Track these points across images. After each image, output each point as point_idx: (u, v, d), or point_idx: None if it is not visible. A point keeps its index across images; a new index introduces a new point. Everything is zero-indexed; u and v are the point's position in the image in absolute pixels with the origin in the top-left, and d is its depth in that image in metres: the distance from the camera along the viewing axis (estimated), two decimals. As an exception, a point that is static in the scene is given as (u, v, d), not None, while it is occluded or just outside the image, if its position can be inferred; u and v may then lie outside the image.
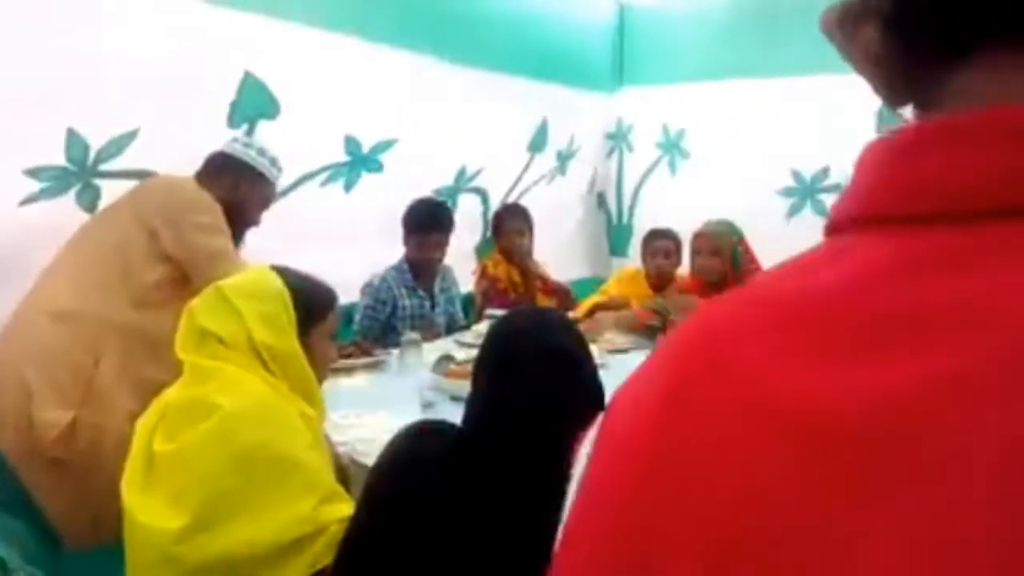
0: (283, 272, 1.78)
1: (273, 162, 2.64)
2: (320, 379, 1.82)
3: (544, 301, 3.94)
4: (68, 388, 2.14)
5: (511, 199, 4.46)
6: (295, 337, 1.73)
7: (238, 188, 2.54)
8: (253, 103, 2.99)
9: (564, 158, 4.81)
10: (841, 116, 4.25)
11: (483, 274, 4.04)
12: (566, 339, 1.43)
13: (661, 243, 3.92)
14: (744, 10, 4.69)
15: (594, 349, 1.85)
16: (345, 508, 1.57)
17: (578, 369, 1.39)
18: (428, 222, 3.40)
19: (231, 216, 2.47)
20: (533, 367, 1.36)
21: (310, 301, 1.78)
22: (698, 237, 3.67)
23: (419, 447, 1.43)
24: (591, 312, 3.82)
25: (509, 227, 3.96)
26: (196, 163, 2.73)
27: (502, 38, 4.05)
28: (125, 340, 2.26)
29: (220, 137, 2.86)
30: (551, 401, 1.32)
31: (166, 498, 1.55)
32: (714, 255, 3.62)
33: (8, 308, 2.31)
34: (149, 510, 1.55)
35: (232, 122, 2.95)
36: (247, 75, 2.95)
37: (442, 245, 3.45)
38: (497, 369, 1.41)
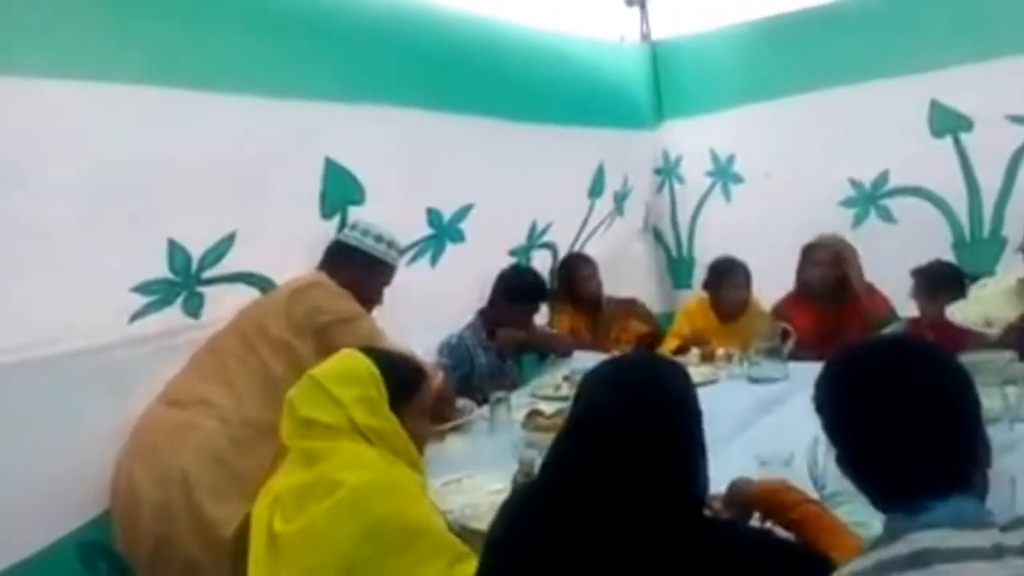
0: (369, 352, 1.87)
1: (391, 245, 2.81)
2: (420, 452, 1.89)
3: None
4: (245, 487, 2.27)
5: (576, 247, 4.46)
6: (392, 413, 1.80)
7: (360, 275, 2.72)
8: (339, 191, 3.01)
9: (620, 199, 4.80)
10: (891, 119, 4.24)
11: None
12: (665, 386, 1.41)
13: (736, 277, 3.92)
14: (769, 29, 4.70)
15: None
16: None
17: (675, 418, 1.37)
18: (540, 292, 3.59)
19: (357, 299, 2.65)
20: (623, 417, 1.34)
21: (399, 378, 1.85)
22: (816, 249, 3.80)
23: (526, 511, 1.45)
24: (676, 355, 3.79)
25: (584, 273, 4.05)
26: (293, 257, 2.79)
27: (550, 91, 4.06)
28: None
29: (314, 228, 2.91)
30: (637, 452, 1.30)
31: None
32: (832, 266, 3.75)
33: (125, 419, 2.41)
34: None
35: (324, 212, 2.98)
36: (328, 162, 2.97)
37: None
38: (581, 417, 1.42)
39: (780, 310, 3.88)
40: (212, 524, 2.29)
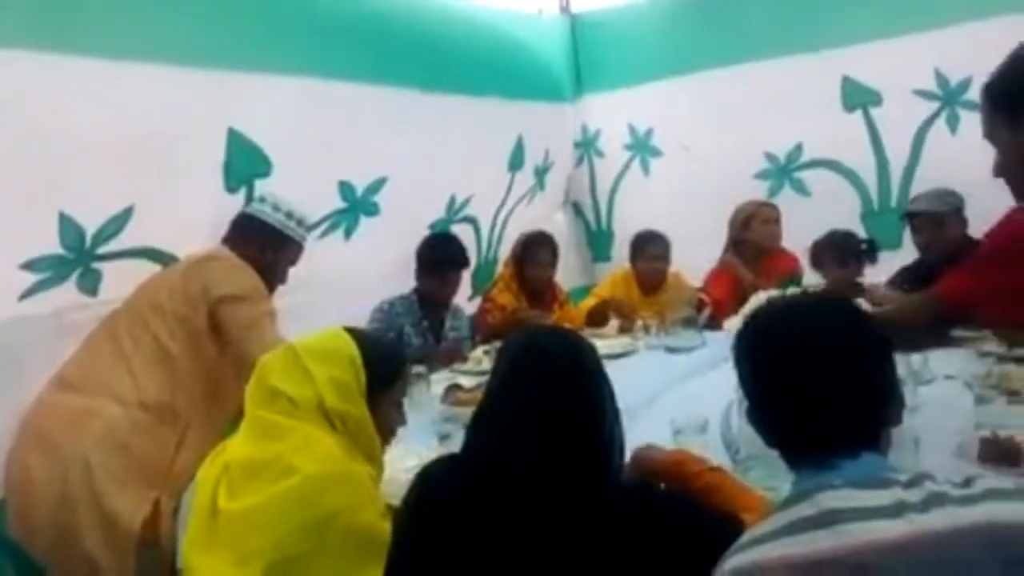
0: (356, 335, 1.77)
1: (300, 223, 2.73)
2: (385, 442, 1.79)
3: None
4: (147, 474, 2.28)
5: (499, 221, 4.42)
6: (365, 402, 1.70)
7: (266, 250, 2.63)
8: (244, 163, 2.90)
9: (541, 173, 4.78)
10: (805, 93, 4.30)
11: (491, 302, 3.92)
12: (570, 351, 1.44)
13: (654, 248, 3.93)
14: (686, 4, 4.73)
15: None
16: None
17: (581, 383, 1.39)
18: (449, 259, 3.41)
19: (260, 276, 2.55)
20: (537, 380, 1.38)
21: (380, 368, 1.74)
22: (765, 207, 3.89)
23: (440, 481, 1.46)
24: (592, 316, 3.80)
25: (541, 258, 3.82)
26: (197, 233, 2.69)
27: (466, 62, 4.00)
28: (204, 423, 2.42)
29: (219, 202, 2.81)
30: (551, 415, 1.33)
31: (231, 558, 1.52)
32: (779, 223, 3.86)
33: (20, 402, 2.31)
34: (213, 572, 1.52)
35: (229, 185, 2.87)
36: (231, 132, 2.86)
37: (460, 281, 3.46)
38: (501, 383, 1.43)
39: (708, 283, 3.89)
40: (115, 516, 2.21)
